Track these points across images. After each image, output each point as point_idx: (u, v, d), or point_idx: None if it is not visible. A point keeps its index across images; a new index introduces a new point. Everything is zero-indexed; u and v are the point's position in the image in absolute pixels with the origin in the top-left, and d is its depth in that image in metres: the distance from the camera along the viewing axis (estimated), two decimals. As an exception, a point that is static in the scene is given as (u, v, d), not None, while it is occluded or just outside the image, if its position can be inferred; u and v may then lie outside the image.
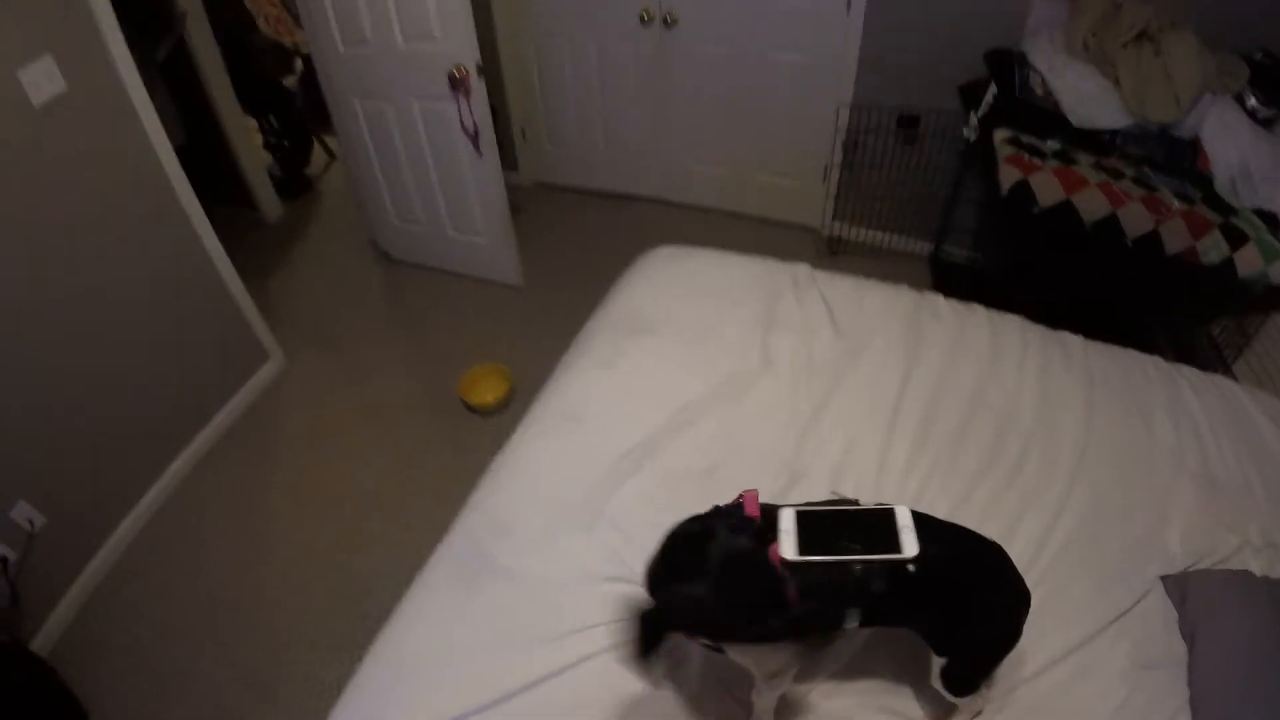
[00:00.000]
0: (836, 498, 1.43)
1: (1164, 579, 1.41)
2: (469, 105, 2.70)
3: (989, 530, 1.13)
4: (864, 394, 1.72)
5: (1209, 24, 2.57)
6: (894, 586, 0.97)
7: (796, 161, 3.50)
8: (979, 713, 1.16)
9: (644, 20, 3.25)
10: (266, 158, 3.95)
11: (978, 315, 2.04)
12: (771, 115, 3.41)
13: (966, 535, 1.10)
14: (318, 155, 4.28)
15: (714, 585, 0.93)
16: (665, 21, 3.24)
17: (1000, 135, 2.71)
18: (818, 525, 1.01)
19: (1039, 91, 2.71)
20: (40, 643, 2.01)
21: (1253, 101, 2.54)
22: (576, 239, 3.66)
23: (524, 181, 3.98)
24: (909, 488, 1.50)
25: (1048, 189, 2.48)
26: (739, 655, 1.04)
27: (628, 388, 1.70)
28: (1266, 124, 2.54)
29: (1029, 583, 1.11)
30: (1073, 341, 2.00)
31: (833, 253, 3.60)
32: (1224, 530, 1.51)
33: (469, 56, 2.60)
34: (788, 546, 0.98)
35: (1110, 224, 2.45)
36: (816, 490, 1.47)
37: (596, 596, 1.26)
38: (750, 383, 1.73)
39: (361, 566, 2.19)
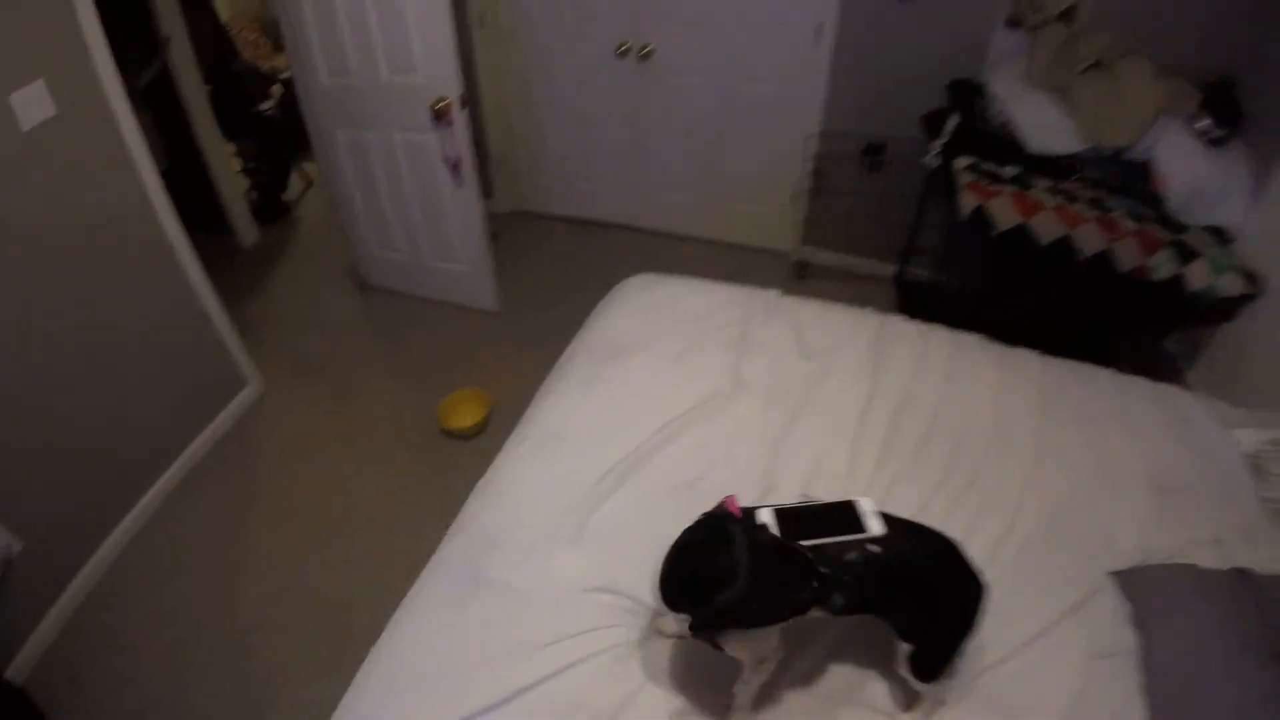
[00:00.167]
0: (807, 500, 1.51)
1: (1115, 575, 1.49)
2: (451, 136, 2.76)
3: (949, 533, 1.21)
4: (831, 411, 1.80)
5: (1163, 50, 2.68)
6: (866, 567, 1.04)
7: (766, 189, 3.60)
8: (942, 702, 1.23)
9: (621, 53, 3.35)
10: (244, 183, 3.96)
11: (938, 335, 2.13)
12: (742, 144, 3.51)
13: (924, 528, 1.19)
14: (295, 181, 4.31)
15: (751, 580, 1.00)
16: (641, 55, 3.33)
17: (961, 162, 2.82)
18: (795, 519, 1.10)
19: (998, 120, 2.83)
20: (16, 669, 1.98)
21: (1205, 123, 2.64)
22: (552, 265, 3.72)
23: (500, 209, 4.04)
24: (873, 496, 1.54)
25: (1005, 213, 2.60)
26: (735, 647, 1.10)
27: (608, 409, 1.76)
28: (1218, 144, 2.64)
29: (987, 582, 1.19)
30: (1028, 357, 2.10)
31: (801, 277, 3.69)
32: (1172, 529, 1.61)
33: (452, 89, 2.65)
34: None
35: (1064, 244, 2.57)
36: (789, 499, 1.53)
37: (583, 606, 1.31)
38: (724, 403, 1.79)
39: (344, 590, 2.19)
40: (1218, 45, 2.75)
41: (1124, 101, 2.63)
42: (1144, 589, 1.45)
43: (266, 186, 4.06)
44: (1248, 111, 2.68)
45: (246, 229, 3.80)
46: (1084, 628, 1.38)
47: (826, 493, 1.56)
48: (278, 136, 4.07)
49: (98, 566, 2.25)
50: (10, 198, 1.87)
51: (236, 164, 3.88)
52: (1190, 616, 1.36)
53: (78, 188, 2.06)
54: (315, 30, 2.75)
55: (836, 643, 1.31)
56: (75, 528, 2.20)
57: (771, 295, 2.22)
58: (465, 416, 2.71)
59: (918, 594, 1.15)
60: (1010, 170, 2.79)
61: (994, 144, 2.82)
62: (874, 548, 1.05)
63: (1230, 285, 2.51)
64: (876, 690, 1.26)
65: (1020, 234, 2.60)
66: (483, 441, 2.69)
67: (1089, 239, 2.56)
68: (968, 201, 2.65)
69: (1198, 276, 2.51)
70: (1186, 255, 2.53)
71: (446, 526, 1.54)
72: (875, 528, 1.07)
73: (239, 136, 3.90)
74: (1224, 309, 2.65)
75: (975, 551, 1.22)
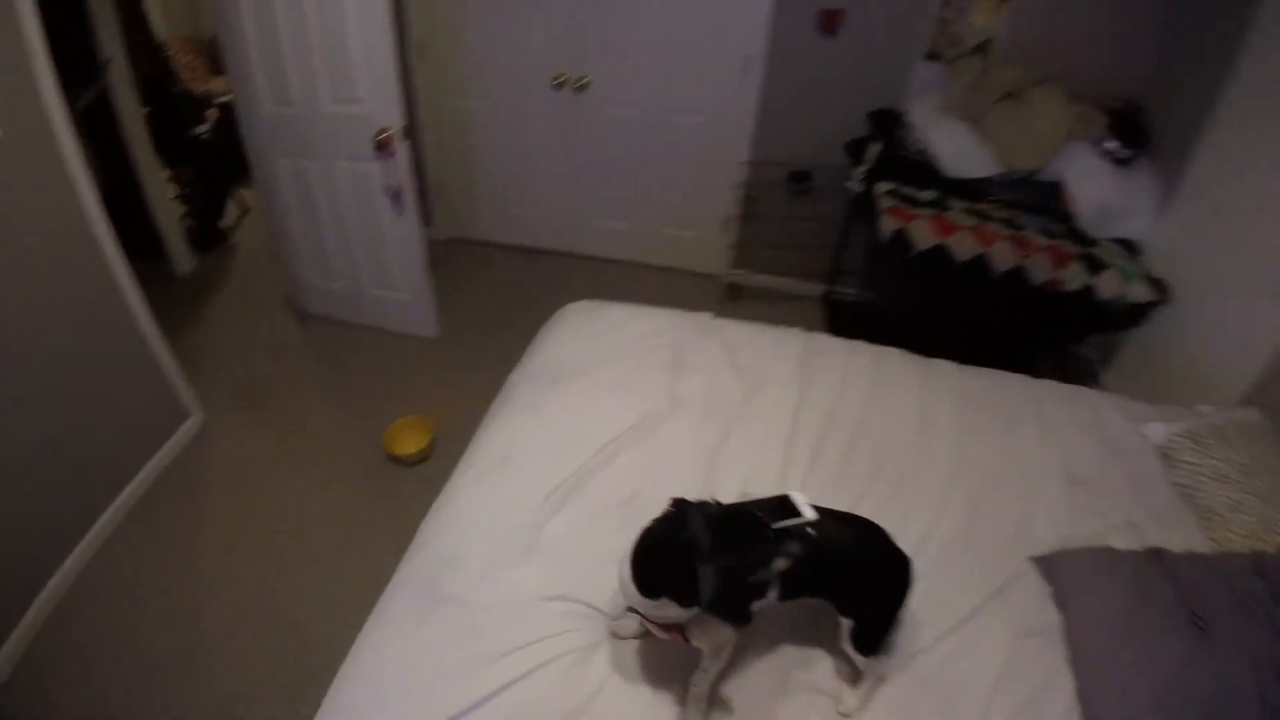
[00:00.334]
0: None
1: (1035, 560, 1.65)
2: (393, 166, 2.80)
3: (875, 526, 1.36)
4: (763, 425, 1.92)
5: (1073, 79, 2.89)
6: (804, 552, 1.15)
7: (698, 214, 3.74)
8: (883, 679, 1.36)
9: (558, 85, 3.46)
10: (180, 209, 3.89)
11: (861, 350, 2.29)
12: (675, 172, 3.64)
13: (849, 514, 1.35)
14: (232, 208, 4.25)
15: (714, 543, 1.10)
16: (578, 86, 3.45)
17: (882, 187, 3.00)
18: (737, 510, 1.19)
19: (917, 147, 3.01)
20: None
21: (1112, 145, 2.85)
22: (491, 292, 3.79)
23: (439, 236, 4.09)
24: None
25: (923, 234, 2.77)
26: (698, 636, 1.20)
27: (552, 431, 1.84)
28: (1125, 164, 2.86)
29: (915, 576, 1.33)
30: (947, 367, 2.27)
31: (733, 299, 3.83)
32: (1087, 516, 1.78)
33: (395, 120, 2.70)
34: None
35: (980, 262, 2.76)
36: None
37: (541, 615, 1.39)
38: (661, 421, 1.90)
39: (300, 616, 2.20)
40: (1124, 73, 2.97)
41: (1035, 128, 2.83)
42: (1063, 571, 1.60)
43: (203, 213, 4.00)
44: (1152, 132, 2.90)
45: (182, 256, 3.75)
46: (1007, 609, 1.52)
47: (763, 499, 1.69)
48: (214, 162, 4.01)
49: (45, 606, 2.17)
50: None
51: (172, 189, 3.82)
52: (1109, 593, 1.51)
53: (17, 211, 2.00)
54: (258, 59, 2.75)
55: (782, 631, 1.42)
56: (17, 567, 2.12)
57: (704, 318, 2.35)
58: (410, 443, 2.73)
59: (852, 571, 1.29)
60: (929, 194, 2.97)
61: (913, 169, 3.01)
62: (810, 530, 1.17)
63: (1139, 293, 2.72)
64: (821, 674, 1.38)
65: (939, 253, 2.77)
66: (427, 467, 2.72)
67: (1003, 256, 2.75)
68: (889, 224, 2.82)
69: (1108, 286, 2.72)
70: (1096, 267, 2.74)
71: (396, 550, 1.58)
72: (810, 514, 1.19)
73: (175, 161, 3.84)
74: (1134, 315, 2.86)
75: (903, 546, 1.35)
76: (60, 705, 1.98)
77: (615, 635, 1.39)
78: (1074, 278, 2.75)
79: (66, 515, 2.30)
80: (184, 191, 3.93)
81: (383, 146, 2.75)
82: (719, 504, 1.17)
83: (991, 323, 3.20)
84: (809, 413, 1.98)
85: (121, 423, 2.48)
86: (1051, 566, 1.63)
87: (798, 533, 1.16)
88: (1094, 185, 2.86)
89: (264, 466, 2.71)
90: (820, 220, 3.55)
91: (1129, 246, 2.90)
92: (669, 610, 1.15)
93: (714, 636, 1.22)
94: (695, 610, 1.13)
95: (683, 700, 1.29)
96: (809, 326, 2.43)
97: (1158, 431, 2.09)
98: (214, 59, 4.31)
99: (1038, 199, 2.98)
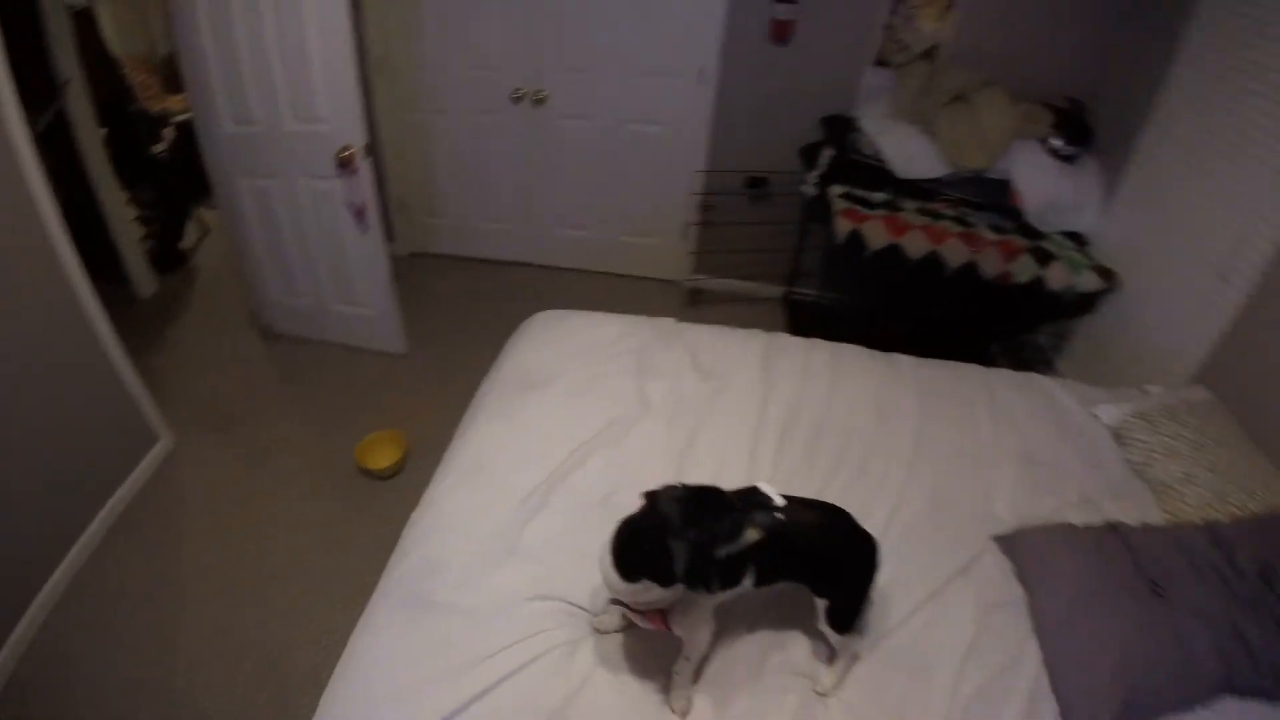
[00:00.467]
0: None
1: (997, 539, 1.74)
2: (356, 183, 2.81)
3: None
4: (728, 423, 1.99)
5: (1018, 81, 3.01)
6: (775, 537, 1.21)
7: (658, 222, 3.81)
8: (857, 657, 1.43)
9: (516, 99, 3.51)
10: (140, 231, 3.85)
11: (821, 348, 2.37)
12: (633, 182, 3.71)
13: (815, 500, 1.42)
14: (192, 228, 4.21)
15: (683, 519, 1.15)
16: (536, 100, 3.50)
17: (836, 191, 3.09)
18: (703, 489, 1.25)
19: (869, 151, 3.10)
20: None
21: (1057, 143, 2.98)
22: (455, 305, 3.81)
23: (401, 251, 4.10)
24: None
25: (877, 235, 2.87)
26: (678, 623, 1.26)
27: (525, 437, 1.89)
28: (1070, 160, 2.99)
29: (882, 557, 1.40)
30: (904, 360, 2.37)
31: (694, 303, 3.91)
32: (1045, 495, 1.88)
33: (357, 137, 2.71)
34: None
35: (933, 259, 2.86)
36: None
37: (525, 614, 1.44)
38: (631, 424, 1.96)
39: (279, 637, 2.18)
40: (1068, 74, 3.10)
41: (982, 128, 2.94)
42: (1024, 548, 1.69)
43: (163, 234, 3.96)
44: (1096, 129, 3.04)
45: (144, 279, 3.71)
46: (973, 586, 1.61)
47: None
48: (173, 182, 3.98)
49: (21, 638, 2.12)
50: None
51: (131, 211, 3.77)
52: (1069, 566, 1.59)
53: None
54: (218, 79, 2.74)
55: (758, 618, 1.49)
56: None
57: (668, 322, 2.42)
58: (382, 457, 2.74)
59: (822, 553, 1.35)
60: (881, 196, 3.07)
61: (865, 172, 3.11)
62: (780, 515, 1.23)
63: (1088, 282, 2.85)
64: (798, 656, 1.45)
65: (893, 252, 2.88)
66: (400, 481, 2.73)
67: (955, 253, 2.86)
68: (843, 226, 2.91)
69: (1057, 277, 2.84)
70: (1045, 259, 2.86)
71: (375, 563, 1.60)
72: (778, 500, 1.25)
73: (134, 182, 3.79)
74: (1084, 303, 2.99)
75: (869, 530, 1.41)
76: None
77: (598, 630, 1.45)
78: (1024, 270, 2.87)
79: (39, 546, 2.25)
80: (144, 213, 3.90)
81: (345, 164, 2.76)
82: (684, 486, 1.22)
83: (946, 317, 3.32)
84: (773, 409, 2.06)
85: (91, 448, 2.45)
86: (1013, 544, 1.71)
87: (765, 504, 1.22)
88: (1041, 181, 2.98)
89: (237, 487, 2.69)
90: (777, 224, 3.64)
91: (1076, 238, 3.02)
92: (651, 593, 1.19)
93: (694, 623, 1.28)
94: (676, 589, 1.17)
95: (667, 689, 1.35)
96: (770, 328, 2.50)
97: (1110, 413, 2.20)
98: (168, 77, 4.24)
99: (987, 196, 3.09)
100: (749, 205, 3.67)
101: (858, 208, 3.00)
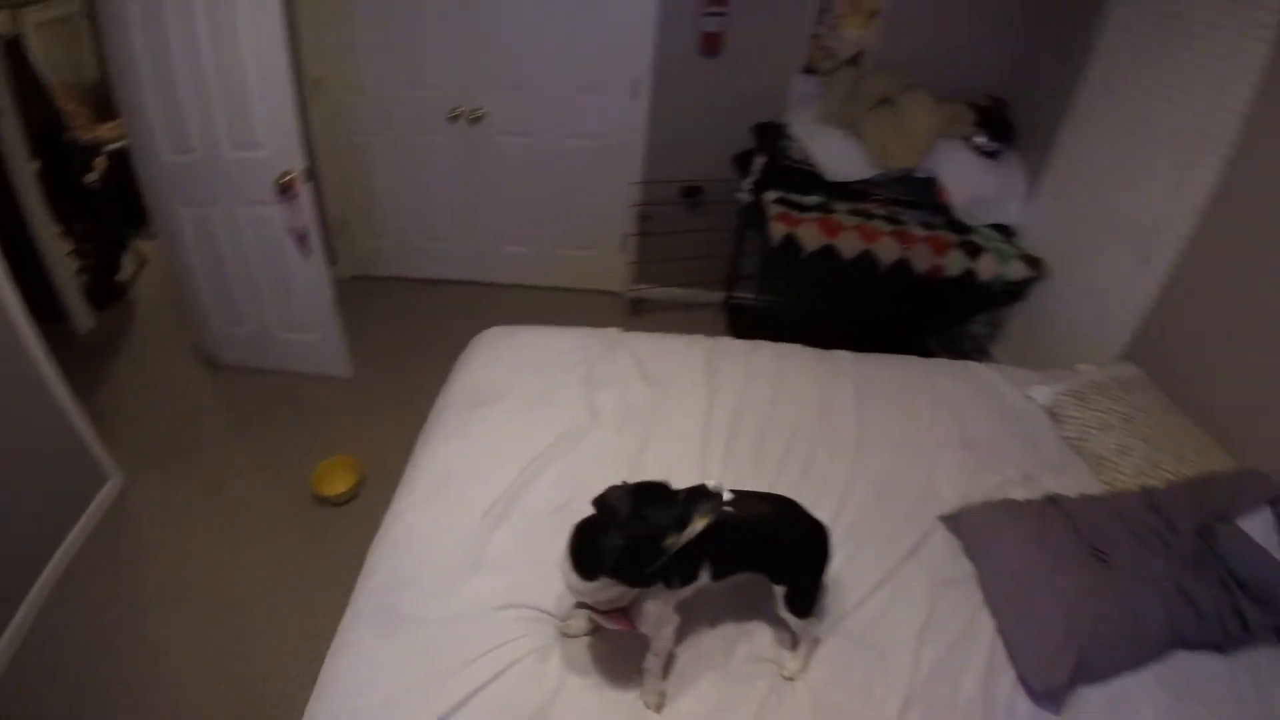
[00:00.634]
0: None
1: (943, 519, 1.83)
2: (296, 208, 2.81)
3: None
4: (677, 428, 2.07)
5: (941, 81, 3.14)
6: (727, 529, 1.27)
7: (597, 235, 3.88)
8: (818, 640, 1.50)
9: (453, 118, 3.55)
10: (74, 265, 3.72)
11: (762, 349, 2.46)
12: (571, 196, 3.77)
13: (764, 493, 1.49)
14: (128, 261, 4.12)
15: (631, 510, 1.20)
16: (473, 119, 3.54)
17: (769, 196, 3.20)
18: (648, 484, 1.30)
19: (799, 156, 3.21)
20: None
21: (981, 140, 3.12)
22: (400, 326, 3.82)
23: (343, 274, 4.08)
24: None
25: (810, 237, 2.98)
26: (640, 620, 1.31)
27: (481, 452, 1.93)
28: (993, 156, 3.13)
29: (834, 545, 1.48)
30: (844, 357, 2.47)
31: (637, 313, 3.98)
32: (985, 475, 1.98)
33: (297, 161, 2.71)
34: None
35: (866, 257, 2.98)
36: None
37: (496, 623, 1.48)
38: (583, 433, 2.01)
39: (248, 669, 2.15)
40: (989, 74, 3.26)
41: (907, 129, 3.07)
42: (970, 524, 1.78)
43: (99, 267, 3.86)
44: (1018, 126, 3.20)
45: (82, 314, 3.62)
46: (923, 565, 1.70)
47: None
48: (107, 213, 3.88)
49: None
50: None
51: (66, 245, 3.66)
52: (1013, 538, 1.69)
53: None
54: (156, 108, 2.70)
55: (721, 610, 1.55)
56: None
57: (613, 332, 2.49)
58: (338, 483, 2.73)
59: (775, 542, 1.42)
60: (813, 199, 3.19)
61: (797, 177, 3.22)
62: (728, 509, 1.29)
63: (1016, 271, 3.00)
64: (763, 644, 1.52)
65: (827, 253, 2.99)
66: (356, 505, 2.73)
67: (887, 250, 2.99)
68: (778, 230, 3.02)
69: (987, 268, 2.99)
70: (974, 252, 3.00)
71: (335, 590, 1.61)
72: (727, 494, 1.31)
73: (68, 215, 3.67)
74: (1014, 291, 3.14)
75: (819, 519, 1.48)
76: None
77: (566, 634, 1.50)
78: (955, 263, 3.01)
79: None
80: (79, 246, 3.78)
81: (286, 189, 2.75)
82: (628, 484, 1.27)
83: (883, 313, 3.45)
84: (719, 411, 2.14)
85: (40, 492, 2.39)
86: (958, 522, 1.81)
87: (711, 497, 1.27)
88: (967, 177, 3.12)
89: (192, 522, 2.65)
90: (714, 231, 3.74)
91: (1004, 230, 3.17)
92: (610, 590, 1.24)
93: (657, 619, 1.34)
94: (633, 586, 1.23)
95: (638, 685, 1.41)
96: (712, 332, 2.57)
97: (1043, 393, 2.33)
98: (98, 105, 4.15)
99: (916, 195, 3.22)
100: (686, 214, 3.75)
101: (792, 212, 3.10)
